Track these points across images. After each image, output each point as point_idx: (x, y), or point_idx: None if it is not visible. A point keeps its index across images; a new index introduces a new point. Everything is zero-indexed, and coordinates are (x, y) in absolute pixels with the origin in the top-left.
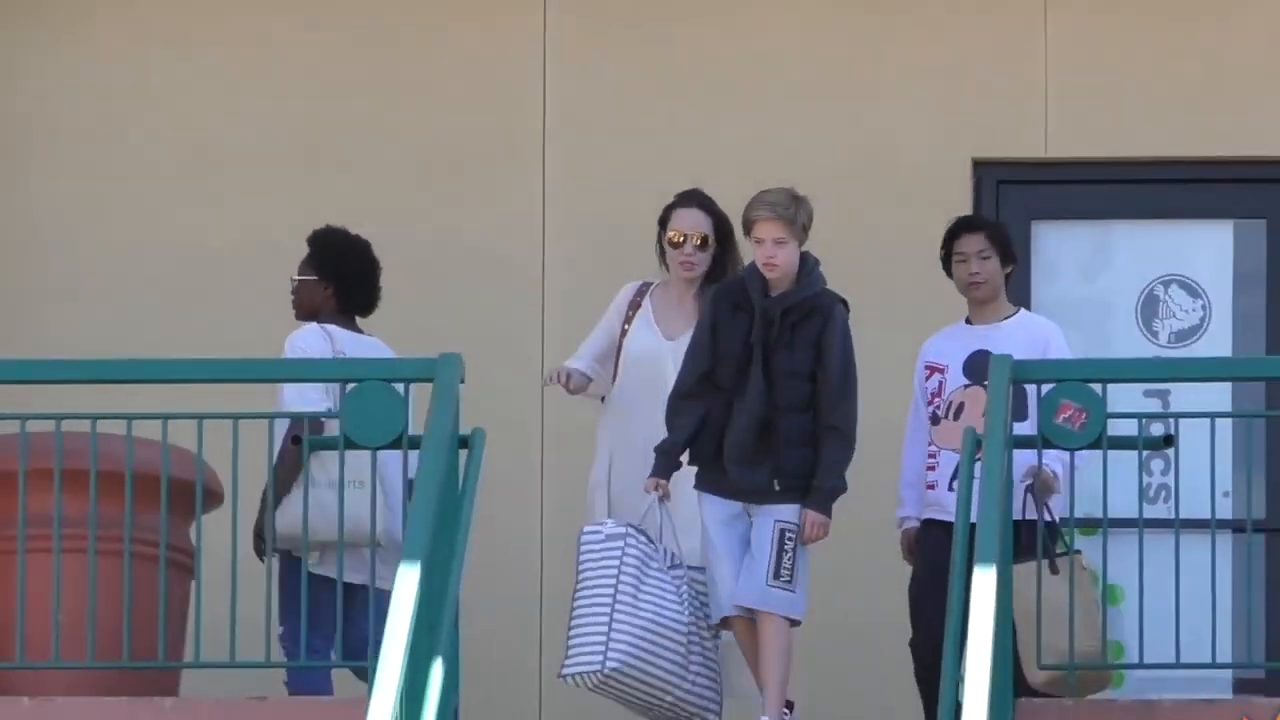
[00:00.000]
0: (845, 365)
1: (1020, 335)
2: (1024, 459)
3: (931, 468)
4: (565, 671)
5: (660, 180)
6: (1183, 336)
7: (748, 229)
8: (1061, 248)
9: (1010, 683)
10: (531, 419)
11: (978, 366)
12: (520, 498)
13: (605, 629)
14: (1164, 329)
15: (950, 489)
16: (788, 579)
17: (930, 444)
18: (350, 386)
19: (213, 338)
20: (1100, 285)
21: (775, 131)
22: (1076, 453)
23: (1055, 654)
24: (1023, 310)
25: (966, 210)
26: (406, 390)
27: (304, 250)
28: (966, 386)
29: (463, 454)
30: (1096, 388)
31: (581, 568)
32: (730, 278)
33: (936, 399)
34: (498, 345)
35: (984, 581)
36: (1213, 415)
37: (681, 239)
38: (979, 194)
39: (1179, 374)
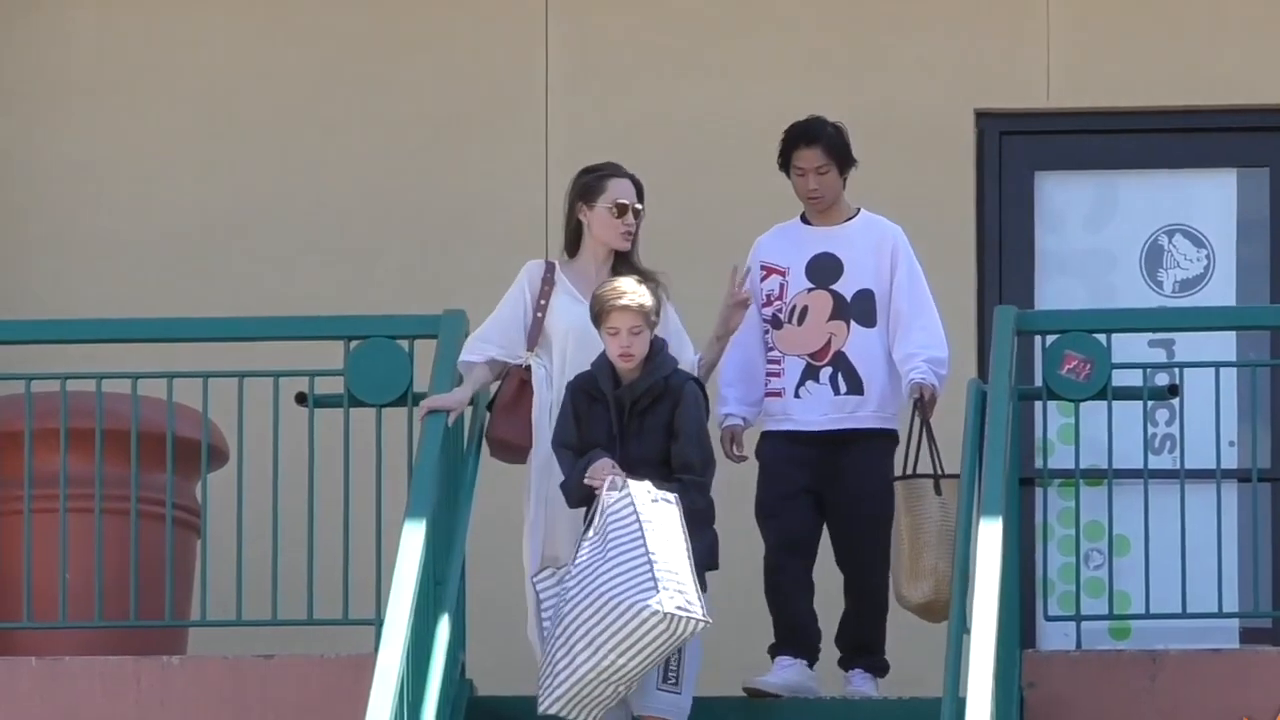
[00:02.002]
0: (700, 442)
1: (865, 237)
2: (908, 377)
3: (776, 374)
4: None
5: (664, 136)
6: (1187, 286)
7: (600, 319)
8: (1065, 198)
9: (1018, 635)
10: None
11: (821, 269)
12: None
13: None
14: (1168, 279)
15: (797, 396)
16: (674, 681)
17: (771, 349)
18: (354, 344)
19: (220, 299)
20: (1104, 235)
21: (779, 86)
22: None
23: (932, 575)
24: (864, 211)
25: (969, 163)
26: (411, 346)
27: (306, 211)
28: (810, 290)
29: (468, 410)
30: (1101, 338)
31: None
32: (581, 373)
33: (778, 301)
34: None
35: (990, 534)
36: (1217, 365)
37: (625, 209)
38: (982, 145)
39: (1183, 323)
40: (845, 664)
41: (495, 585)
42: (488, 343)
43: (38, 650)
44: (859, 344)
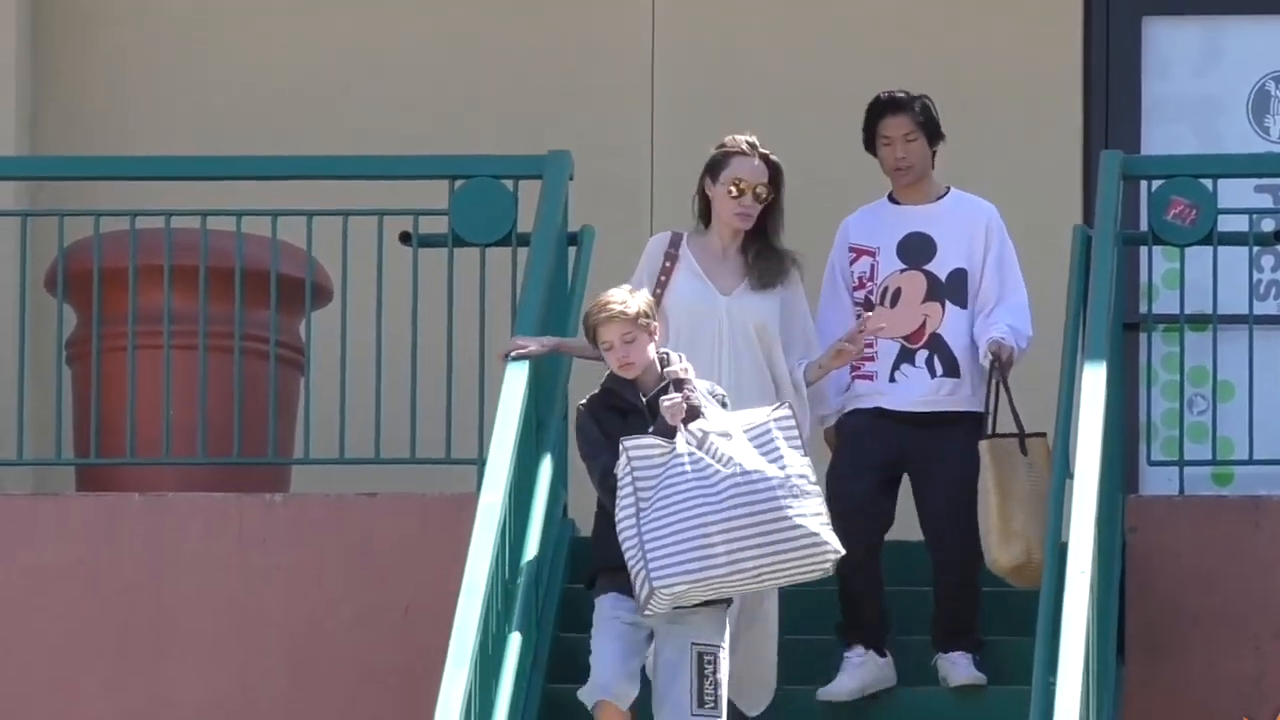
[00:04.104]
0: None
1: (958, 216)
2: (986, 336)
3: (869, 358)
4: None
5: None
6: None
7: (592, 338)
8: (1172, 43)
9: (1120, 480)
10: (641, 218)
11: (914, 249)
12: None
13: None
14: (1275, 125)
15: (892, 380)
16: (712, 706)
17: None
18: (459, 183)
19: (324, 147)
20: (1211, 81)
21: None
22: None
23: (1023, 537)
24: (954, 189)
25: (1076, 9)
26: (515, 187)
27: (411, 59)
28: (902, 271)
29: (572, 251)
30: (1207, 183)
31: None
32: (592, 396)
33: (869, 284)
34: (607, 143)
35: (1094, 379)
36: None
37: (742, 189)
38: None
39: None
40: (943, 647)
41: None
42: None
43: (141, 487)
44: (954, 325)
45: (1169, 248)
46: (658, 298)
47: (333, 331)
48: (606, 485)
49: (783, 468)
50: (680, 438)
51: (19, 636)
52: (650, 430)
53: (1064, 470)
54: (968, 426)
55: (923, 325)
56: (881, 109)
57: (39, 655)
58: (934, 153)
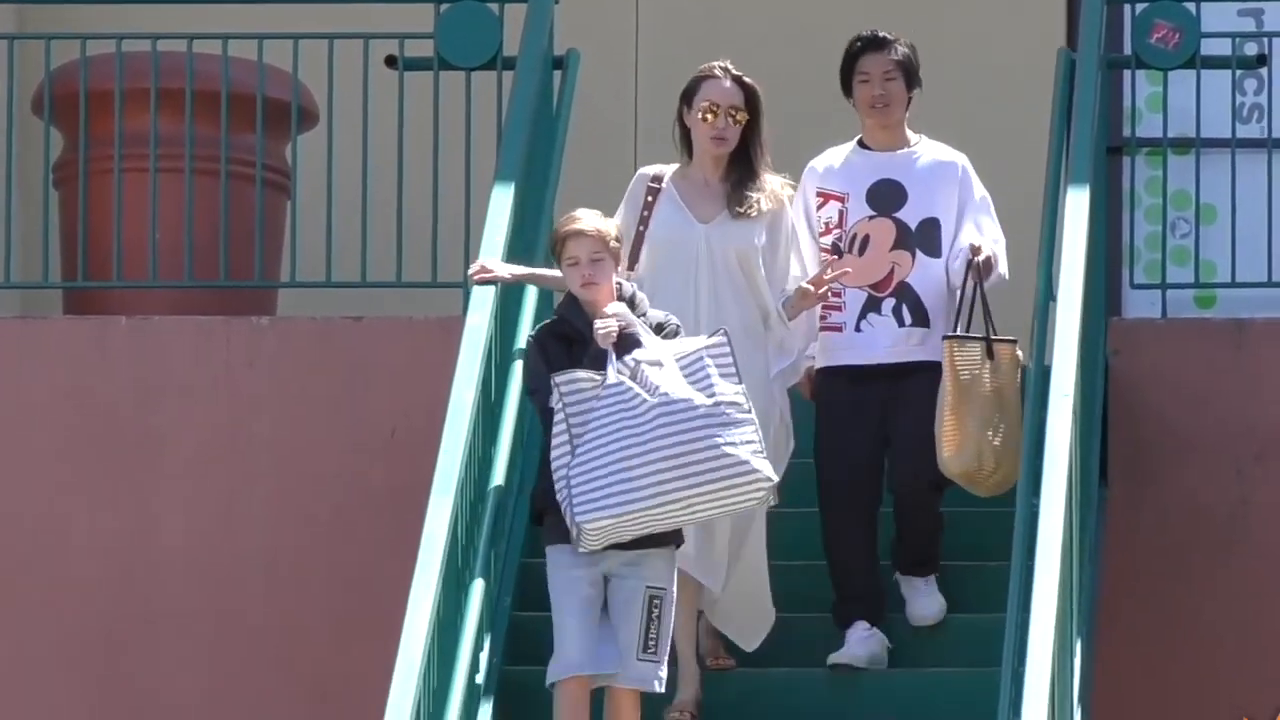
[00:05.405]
0: None
1: (929, 164)
2: (962, 241)
3: (836, 307)
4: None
5: None
6: None
7: (558, 251)
8: None
9: (1104, 303)
10: (626, 40)
11: (883, 196)
12: (615, 118)
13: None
14: None
15: (858, 329)
16: (653, 650)
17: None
18: (444, 7)
19: None
20: None
21: None
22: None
23: (972, 444)
24: (925, 138)
25: None
26: (500, 10)
27: None
28: (871, 218)
29: (557, 76)
30: (1190, 6)
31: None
32: (540, 327)
33: (837, 229)
34: None
35: (1077, 202)
36: None
37: (715, 111)
38: None
39: None
40: (904, 570)
41: None
42: None
43: (128, 310)
44: (923, 274)
45: (1152, 71)
46: (640, 234)
47: (319, 155)
48: (544, 420)
49: (712, 395)
50: (611, 369)
51: (9, 458)
52: (584, 359)
53: (1047, 292)
54: (936, 376)
55: (891, 273)
56: (862, 47)
57: (29, 476)
58: (910, 99)
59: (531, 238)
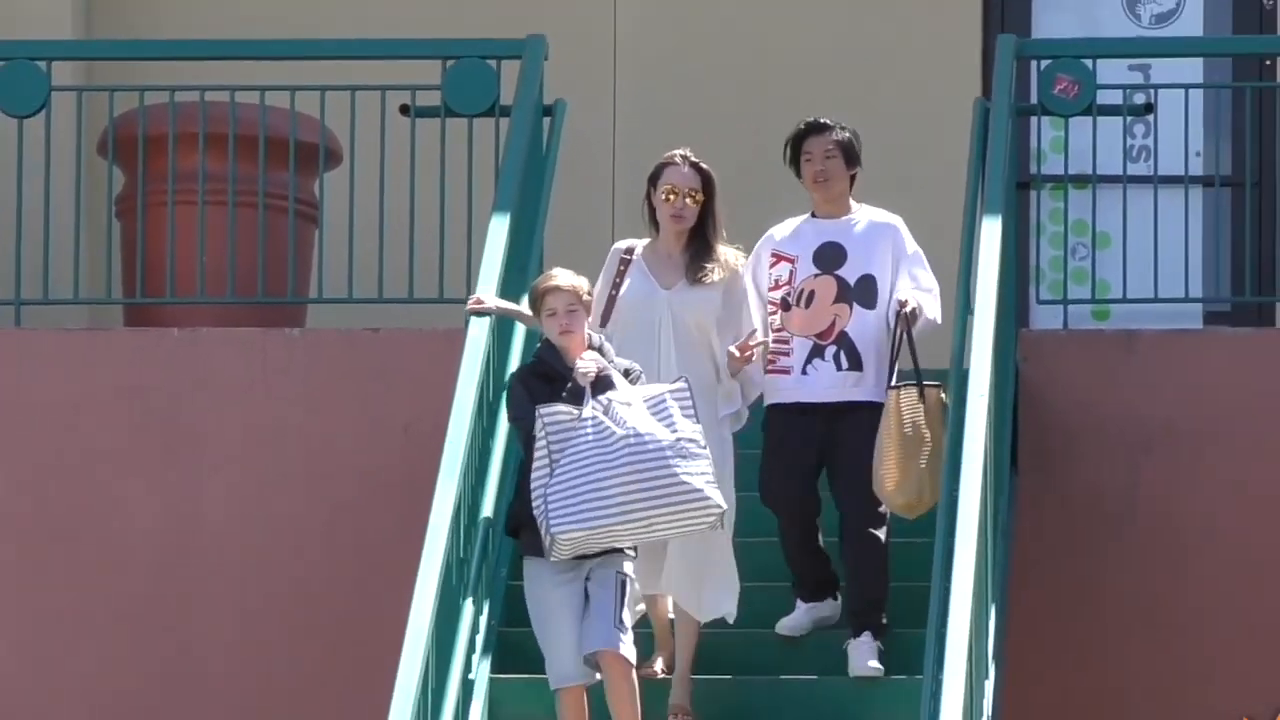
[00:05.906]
0: None
1: (866, 228)
2: (897, 295)
3: (785, 354)
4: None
5: None
6: (1161, 19)
7: (538, 306)
8: None
9: (1014, 317)
10: (605, 91)
11: (827, 256)
12: (595, 161)
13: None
14: (1145, 12)
15: (804, 373)
16: (622, 624)
17: (780, 330)
18: (450, 63)
19: (331, 30)
20: None
21: None
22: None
23: (913, 479)
24: (864, 205)
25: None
26: (498, 66)
27: None
28: (816, 276)
29: (546, 122)
30: (1088, 63)
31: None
32: (522, 367)
33: (786, 286)
34: (576, 28)
35: (991, 230)
36: (1187, 86)
37: (675, 193)
38: None
39: (1159, 51)
40: (856, 627)
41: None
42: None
43: (179, 323)
44: (860, 324)
45: (1055, 118)
46: (612, 298)
47: (342, 190)
48: (528, 445)
49: (674, 431)
50: (587, 405)
51: (78, 449)
52: (564, 394)
53: (966, 307)
54: (873, 416)
55: (832, 324)
56: (805, 130)
57: (95, 464)
58: (852, 177)
59: (524, 260)
